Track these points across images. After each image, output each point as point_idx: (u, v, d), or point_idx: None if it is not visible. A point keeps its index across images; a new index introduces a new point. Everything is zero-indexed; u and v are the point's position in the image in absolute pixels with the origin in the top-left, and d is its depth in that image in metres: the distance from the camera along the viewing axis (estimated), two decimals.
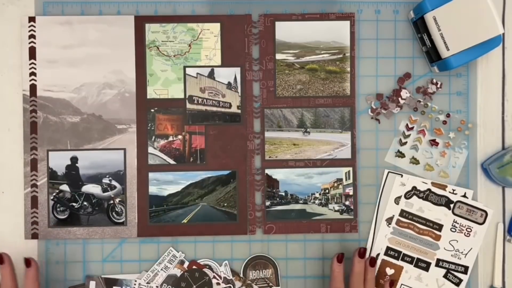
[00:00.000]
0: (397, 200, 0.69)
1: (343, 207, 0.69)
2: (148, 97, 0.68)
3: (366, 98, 0.69)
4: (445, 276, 0.68)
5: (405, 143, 0.69)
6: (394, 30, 0.69)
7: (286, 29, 0.68)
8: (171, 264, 0.68)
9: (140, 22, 0.68)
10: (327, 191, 0.69)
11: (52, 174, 0.68)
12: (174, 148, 0.68)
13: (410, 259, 0.68)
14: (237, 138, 0.68)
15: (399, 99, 0.69)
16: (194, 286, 0.67)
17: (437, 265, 0.68)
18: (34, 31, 0.67)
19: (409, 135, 0.69)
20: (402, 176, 0.69)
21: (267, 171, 0.68)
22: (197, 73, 0.68)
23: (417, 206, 0.68)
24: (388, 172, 0.69)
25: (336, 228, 0.69)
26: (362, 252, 0.65)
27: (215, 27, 0.68)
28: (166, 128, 0.68)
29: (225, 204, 0.68)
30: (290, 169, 0.68)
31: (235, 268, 0.68)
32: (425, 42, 0.66)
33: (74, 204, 0.68)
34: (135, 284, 0.67)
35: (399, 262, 0.68)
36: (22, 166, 0.68)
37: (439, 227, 0.68)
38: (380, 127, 0.69)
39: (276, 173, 0.68)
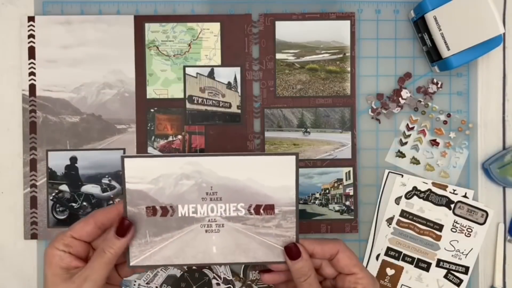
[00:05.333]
0: (397, 200, 0.68)
1: (344, 207, 0.68)
2: (147, 97, 0.68)
3: (367, 98, 0.69)
4: (445, 277, 0.68)
5: (406, 143, 0.69)
6: (394, 30, 0.69)
7: (286, 28, 0.68)
8: None
9: (140, 22, 0.68)
10: (327, 191, 0.68)
11: (51, 174, 0.67)
12: (174, 148, 0.68)
13: (410, 259, 0.68)
14: (237, 138, 0.68)
15: (400, 99, 0.69)
16: (194, 287, 0.67)
17: (437, 265, 0.68)
18: (34, 30, 0.67)
19: (409, 135, 0.69)
20: (402, 176, 0.69)
21: None
22: (197, 73, 0.68)
23: (418, 206, 0.68)
24: (389, 172, 0.69)
25: (337, 229, 0.68)
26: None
27: (215, 26, 0.68)
28: (165, 128, 0.68)
29: None
30: None
31: (235, 269, 0.68)
32: (425, 41, 0.66)
33: (73, 204, 0.68)
34: (134, 284, 0.67)
35: (400, 263, 0.68)
36: (21, 166, 0.67)
37: (440, 227, 0.68)
38: (380, 127, 0.69)
39: None
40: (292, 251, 0.49)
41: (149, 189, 0.48)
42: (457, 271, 0.68)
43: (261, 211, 0.49)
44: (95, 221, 0.48)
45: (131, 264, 0.49)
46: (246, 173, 0.49)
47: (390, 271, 0.68)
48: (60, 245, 0.47)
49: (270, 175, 0.49)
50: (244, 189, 0.49)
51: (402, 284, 0.68)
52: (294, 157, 0.48)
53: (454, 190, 0.68)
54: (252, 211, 0.49)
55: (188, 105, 0.68)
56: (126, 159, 0.48)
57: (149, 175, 0.48)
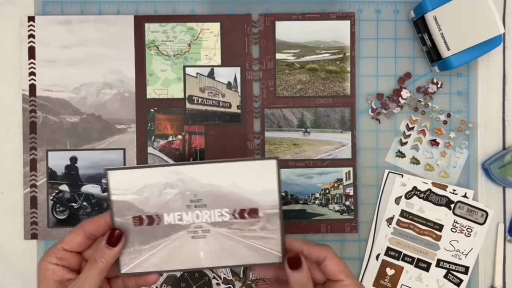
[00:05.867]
0: (397, 200, 0.68)
1: (343, 207, 0.68)
2: (147, 97, 0.68)
3: (367, 98, 0.69)
4: (445, 277, 0.68)
5: (406, 143, 0.69)
6: (394, 30, 0.69)
7: (286, 28, 0.68)
8: None
9: (140, 22, 0.68)
10: (327, 191, 0.68)
11: (51, 174, 0.67)
12: (173, 148, 0.68)
13: (410, 259, 0.68)
14: (237, 138, 0.68)
15: (400, 99, 0.69)
16: (194, 287, 0.67)
17: (437, 265, 0.68)
18: (34, 30, 0.67)
19: (409, 135, 0.69)
20: (402, 176, 0.69)
21: None
22: (197, 73, 0.68)
23: (418, 206, 0.68)
24: (389, 172, 0.69)
25: (336, 229, 0.68)
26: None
27: (215, 26, 0.68)
28: (165, 128, 0.68)
29: None
30: (290, 169, 0.68)
31: (235, 269, 0.68)
32: (425, 41, 0.66)
33: (73, 204, 0.68)
34: None
35: (400, 263, 0.68)
36: (21, 166, 0.67)
37: (440, 227, 0.68)
38: (380, 127, 0.69)
39: None
40: (293, 261, 0.49)
41: (134, 200, 0.49)
42: (457, 271, 0.68)
43: (246, 215, 0.50)
44: (84, 231, 0.48)
45: (122, 271, 0.50)
46: (229, 178, 0.50)
47: (390, 271, 0.68)
48: (53, 259, 0.47)
49: (253, 180, 0.50)
50: (228, 195, 0.50)
51: (402, 284, 0.68)
52: (275, 161, 0.49)
53: (454, 190, 0.68)
54: (237, 215, 0.50)
55: (188, 105, 0.68)
56: (110, 172, 0.49)
57: (133, 186, 0.49)
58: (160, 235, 0.50)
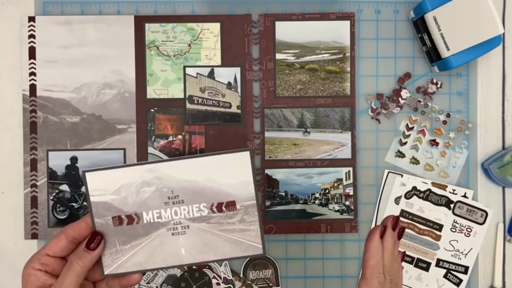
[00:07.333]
0: (397, 200, 0.69)
1: (343, 207, 0.69)
2: (148, 97, 0.68)
3: (366, 98, 0.69)
4: (445, 276, 0.68)
5: (405, 143, 0.69)
6: (394, 30, 0.69)
7: (286, 29, 0.68)
8: None
9: (140, 22, 0.68)
10: (327, 191, 0.69)
11: (52, 174, 0.67)
12: (174, 148, 0.68)
13: (410, 259, 0.68)
14: (237, 138, 0.68)
15: (399, 99, 0.69)
16: (194, 286, 0.67)
17: (437, 265, 0.68)
18: (34, 31, 0.67)
19: (409, 135, 0.69)
20: (402, 176, 0.69)
21: (267, 171, 0.68)
22: (197, 73, 0.68)
23: (417, 206, 0.68)
24: (388, 172, 0.69)
25: (336, 228, 0.68)
26: (395, 222, 0.57)
27: (215, 27, 0.68)
28: (166, 128, 0.68)
29: None
30: (290, 169, 0.68)
31: (235, 268, 0.68)
32: (425, 42, 0.66)
33: (74, 204, 0.68)
34: None
35: None
36: (22, 166, 0.68)
37: (439, 227, 0.68)
38: (380, 127, 0.69)
39: (276, 173, 0.68)
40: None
41: (113, 200, 0.50)
42: (457, 271, 0.68)
43: (223, 208, 0.51)
44: (67, 236, 0.48)
45: (105, 273, 0.50)
46: (205, 173, 0.50)
47: None
48: (36, 264, 0.47)
49: (228, 173, 0.50)
50: (205, 189, 0.50)
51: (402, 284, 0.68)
52: (248, 152, 0.50)
53: (454, 190, 0.68)
54: (215, 209, 0.50)
55: (188, 105, 0.68)
56: (87, 173, 0.49)
57: (111, 186, 0.50)
58: (140, 234, 0.50)
